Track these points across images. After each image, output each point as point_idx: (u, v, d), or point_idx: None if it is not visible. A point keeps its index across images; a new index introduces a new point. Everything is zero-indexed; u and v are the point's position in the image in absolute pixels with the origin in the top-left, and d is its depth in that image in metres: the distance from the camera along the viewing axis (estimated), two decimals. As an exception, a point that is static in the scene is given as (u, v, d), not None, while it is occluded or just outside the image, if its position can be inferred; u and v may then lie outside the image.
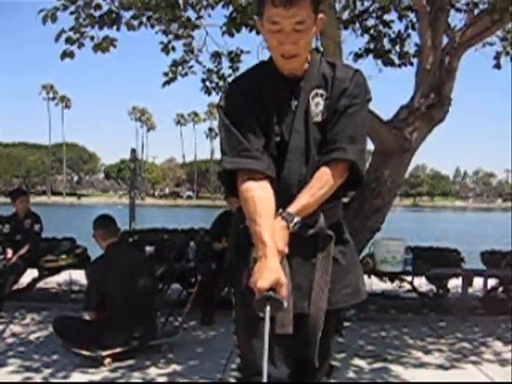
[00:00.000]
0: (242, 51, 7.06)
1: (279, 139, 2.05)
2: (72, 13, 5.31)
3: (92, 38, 5.51)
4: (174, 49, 6.64)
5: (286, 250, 1.94)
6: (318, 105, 2.05)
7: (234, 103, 2.06)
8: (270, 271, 1.82)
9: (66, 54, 5.50)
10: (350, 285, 2.14)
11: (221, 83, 7.16)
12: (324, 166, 1.99)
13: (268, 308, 1.82)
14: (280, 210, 1.95)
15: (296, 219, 1.94)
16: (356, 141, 2.02)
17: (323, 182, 1.98)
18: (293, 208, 1.95)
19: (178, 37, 6.57)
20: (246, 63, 7.13)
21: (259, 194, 1.94)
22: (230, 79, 7.12)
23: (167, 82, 6.93)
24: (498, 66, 7.11)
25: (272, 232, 1.89)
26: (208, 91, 7.21)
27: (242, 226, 2.05)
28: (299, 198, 1.97)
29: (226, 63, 7.19)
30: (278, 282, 1.82)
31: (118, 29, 5.51)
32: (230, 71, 7.16)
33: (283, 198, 1.99)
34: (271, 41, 1.97)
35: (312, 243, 2.03)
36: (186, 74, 6.99)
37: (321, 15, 1.98)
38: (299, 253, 2.03)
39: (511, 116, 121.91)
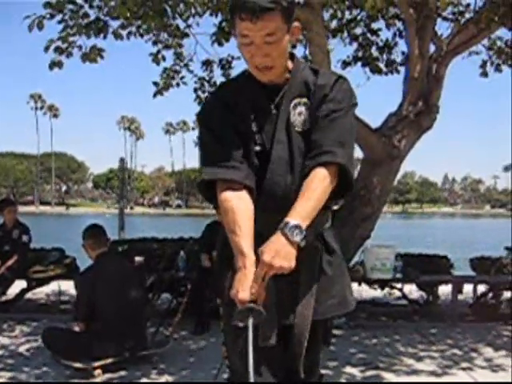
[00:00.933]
0: (233, 58, 7.05)
1: (260, 148, 2.01)
2: (59, 22, 5.30)
3: (80, 48, 5.50)
4: (164, 58, 6.62)
5: (289, 265, 1.80)
6: (300, 114, 2.01)
7: (213, 113, 2.05)
8: (249, 282, 1.80)
9: (55, 64, 5.48)
10: (336, 295, 2.11)
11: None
12: (313, 170, 1.91)
13: (251, 320, 1.80)
14: (281, 225, 1.82)
15: (302, 234, 1.82)
16: (344, 145, 1.95)
17: (316, 183, 1.88)
18: (294, 217, 1.82)
19: (167, 46, 6.57)
20: (238, 70, 7.12)
21: (237, 204, 1.90)
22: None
23: (158, 92, 6.89)
24: (484, 74, 7.18)
25: (251, 242, 1.85)
26: (201, 101, 7.17)
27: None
28: (296, 206, 1.85)
29: (217, 71, 7.19)
30: (258, 293, 1.80)
31: (104, 37, 5.50)
32: (223, 79, 7.16)
33: (267, 209, 1.96)
34: (244, 53, 1.95)
35: (298, 254, 1.88)
36: (178, 84, 6.94)
37: (296, 23, 1.95)
38: None
39: (511, 121, 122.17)
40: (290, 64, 2.05)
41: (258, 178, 1.98)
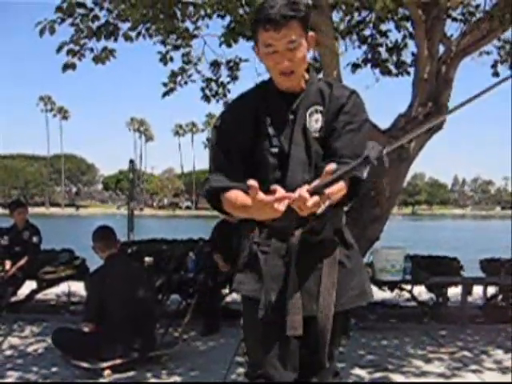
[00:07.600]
0: (240, 59, 7.09)
1: (278, 150, 2.14)
2: (71, 25, 5.33)
3: (92, 50, 5.53)
4: (171, 59, 6.65)
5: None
6: (317, 121, 2.14)
7: (227, 124, 2.19)
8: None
9: (68, 66, 5.51)
10: (356, 287, 2.22)
11: (220, 90, 7.19)
12: None
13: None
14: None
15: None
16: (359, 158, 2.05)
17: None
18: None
19: (176, 47, 6.60)
20: (245, 71, 7.17)
21: (242, 194, 2.01)
22: (229, 86, 7.19)
23: (167, 93, 6.94)
24: (496, 74, 7.15)
25: None
26: (207, 99, 7.24)
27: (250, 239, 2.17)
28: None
29: (224, 72, 7.22)
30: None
31: (115, 40, 5.54)
32: (229, 79, 7.20)
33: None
34: (268, 62, 2.10)
35: (318, 248, 2.11)
36: (186, 82, 7.00)
37: (311, 33, 2.11)
38: (306, 258, 2.11)
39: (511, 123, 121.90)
40: (306, 75, 2.19)
41: (279, 175, 2.14)
